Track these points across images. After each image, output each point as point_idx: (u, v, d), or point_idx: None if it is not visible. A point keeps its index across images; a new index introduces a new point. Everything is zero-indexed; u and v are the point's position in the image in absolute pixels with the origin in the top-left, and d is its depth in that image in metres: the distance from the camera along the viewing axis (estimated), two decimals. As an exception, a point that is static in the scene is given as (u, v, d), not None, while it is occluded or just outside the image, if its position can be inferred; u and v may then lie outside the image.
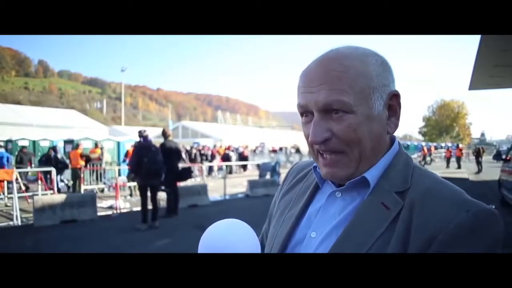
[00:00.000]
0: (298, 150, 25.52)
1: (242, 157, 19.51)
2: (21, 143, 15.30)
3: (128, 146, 11.87)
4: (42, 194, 8.39)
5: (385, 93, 0.66)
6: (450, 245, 0.55)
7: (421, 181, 0.64)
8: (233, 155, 19.54)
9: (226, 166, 14.96)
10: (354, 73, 0.63)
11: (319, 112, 0.64)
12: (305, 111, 0.67)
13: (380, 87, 0.65)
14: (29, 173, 10.61)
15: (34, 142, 15.69)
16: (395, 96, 0.68)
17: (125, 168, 10.55)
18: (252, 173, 17.03)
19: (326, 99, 0.62)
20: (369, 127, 0.64)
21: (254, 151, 23.66)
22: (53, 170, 8.97)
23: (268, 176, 12.39)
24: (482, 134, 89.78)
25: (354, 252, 0.61)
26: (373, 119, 0.64)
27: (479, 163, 19.71)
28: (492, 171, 16.14)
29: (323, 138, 0.64)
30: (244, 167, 19.52)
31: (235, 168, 18.36)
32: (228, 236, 0.63)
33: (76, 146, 10.78)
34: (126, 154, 11.22)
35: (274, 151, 24.83)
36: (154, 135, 21.15)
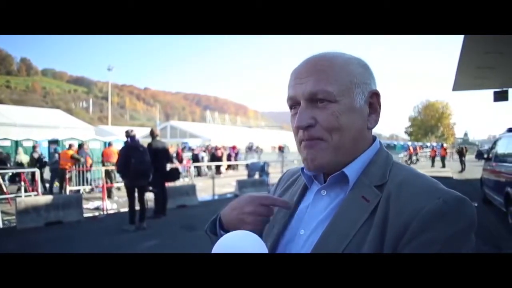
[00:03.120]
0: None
1: (215, 158, 17.60)
2: (2, 143, 14.87)
3: (115, 146, 11.65)
4: (25, 196, 8.17)
5: (366, 91, 0.72)
6: (424, 230, 0.58)
7: (398, 174, 0.69)
8: (205, 156, 17.81)
9: (195, 167, 13.59)
10: (339, 69, 0.69)
11: (306, 100, 0.69)
12: (293, 103, 0.72)
13: (362, 84, 0.71)
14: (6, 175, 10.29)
15: (16, 142, 15.27)
16: (376, 94, 0.73)
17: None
18: (226, 175, 15.99)
19: (312, 88, 0.68)
20: (351, 118, 0.69)
21: (257, 150, 23.02)
22: (37, 171, 8.75)
23: (257, 176, 12.41)
24: (465, 134, 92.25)
25: (337, 244, 0.64)
26: (354, 111, 0.70)
27: (462, 162, 20.25)
28: (474, 170, 16.59)
29: (307, 124, 0.69)
30: (218, 168, 17.31)
31: (206, 170, 16.29)
32: (239, 246, 0.65)
33: (69, 147, 10.53)
34: (103, 154, 11.02)
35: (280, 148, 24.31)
36: (142, 135, 20.89)
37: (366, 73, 0.72)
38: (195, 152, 17.53)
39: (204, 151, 19.10)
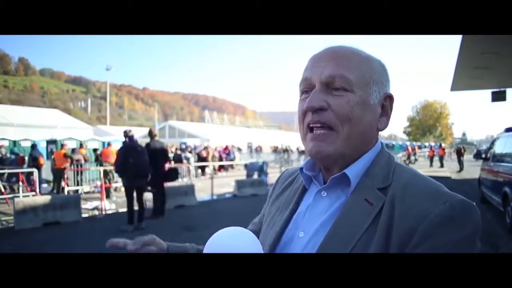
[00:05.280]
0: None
1: (200, 158, 16.74)
2: (0, 143, 14.81)
3: (114, 146, 11.65)
4: (24, 196, 8.14)
5: (382, 91, 0.71)
6: (431, 235, 0.57)
7: (402, 176, 0.67)
8: (191, 157, 16.31)
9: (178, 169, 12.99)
10: (361, 60, 0.69)
11: (321, 84, 0.67)
12: (307, 86, 0.70)
13: (379, 83, 0.70)
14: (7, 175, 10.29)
15: (14, 142, 15.23)
16: (390, 98, 0.72)
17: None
18: (221, 176, 15.17)
19: (331, 72, 0.66)
20: (364, 112, 0.67)
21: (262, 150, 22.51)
22: (35, 171, 8.72)
23: (255, 176, 12.41)
24: (464, 134, 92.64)
25: (341, 248, 0.62)
26: (368, 107, 0.68)
27: (460, 162, 20.31)
28: (472, 170, 16.66)
29: (319, 105, 0.66)
30: (203, 169, 16.23)
31: (192, 171, 14.79)
32: (234, 243, 0.64)
33: (61, 146, 10.53)
34: (101, 154, 11.06)
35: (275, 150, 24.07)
36: (140, 135, 20.80)
37: (384, 74, 0.72)
38: (177, 152, 15.77)
39: (190, 152, 17.75)
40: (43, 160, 10.73)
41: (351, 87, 0.66)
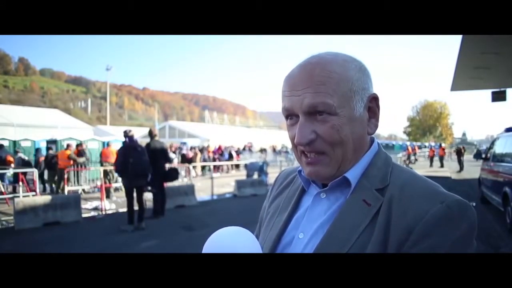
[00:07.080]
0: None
1: (185, 159, 16.07)
2: (0, 143, 14.81)
3: (114, 146, 11.64)
4: (24, 196, 8.14)
5: (365, 96, 0.70)
6: (427, 235, 0.58)
7: (399, 177, 0.68)
8: (174, 157, 14.89)
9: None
10: (337, 78, 0.66)
11: (304, 114, 0.67)
12: (290, 114, 0.70)
13: (361, 91, 0.68)
14: (9, 175, 10.27)
15: (14, 142, 15.22)
16: (374, 98, 0.72)
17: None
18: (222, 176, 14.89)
19: (311, 102, 0.65)
20: (352, 128, 0.67)
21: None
22: (35, 171, 8.72)
23: (255, 176, 12.41)
24: (464, 134, 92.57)
25: (339, 248, 0.63)
26: (355, 121, 0.68)
27: (460, 162, 20.33)
28: (473, 170, 16.67)
29: (308, 140, 0.67)
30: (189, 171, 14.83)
31: (191, 172, 13.24)
32: (232, 243, 0.64)
33: (67, 147, 10.53)
34: (101, 154, 11.06)
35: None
36: (141, 135, 20.78)
37: (363, 77, 0.70)
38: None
39: (174, 152, 16.75)
40: (11, 158, 10.59)
41: (334, 111, 0.65)
